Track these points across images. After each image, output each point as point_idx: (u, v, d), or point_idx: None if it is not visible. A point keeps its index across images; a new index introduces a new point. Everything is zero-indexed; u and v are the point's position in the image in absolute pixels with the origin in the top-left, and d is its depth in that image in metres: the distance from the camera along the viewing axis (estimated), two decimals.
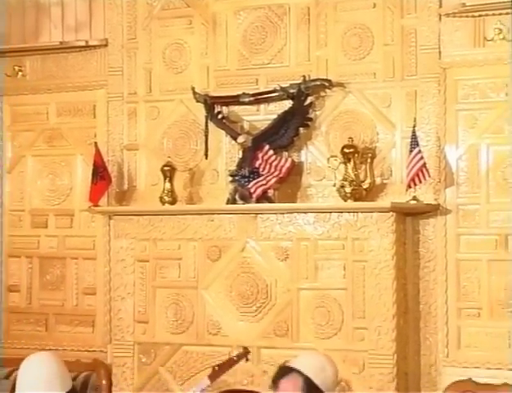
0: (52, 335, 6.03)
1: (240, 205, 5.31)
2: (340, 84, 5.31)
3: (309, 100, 5.32)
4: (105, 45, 5.88)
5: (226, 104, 5.49)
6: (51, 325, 6.06)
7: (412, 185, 4.95)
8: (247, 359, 4.56)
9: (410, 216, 5.16)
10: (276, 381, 4.21)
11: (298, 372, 4.17)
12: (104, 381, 5.37)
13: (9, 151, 6.21)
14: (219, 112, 5.47)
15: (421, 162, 4.90)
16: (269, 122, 5.39)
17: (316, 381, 4.13)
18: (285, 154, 5.32)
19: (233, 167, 5.41)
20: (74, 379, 5.35)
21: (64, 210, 6.07)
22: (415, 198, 5.01)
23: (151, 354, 5.45)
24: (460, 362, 5.07)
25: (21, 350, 5.89)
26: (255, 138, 5.34)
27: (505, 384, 4.84)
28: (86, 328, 5.95)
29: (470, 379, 4.95)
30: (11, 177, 6.21)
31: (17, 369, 5.59)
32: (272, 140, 5.33)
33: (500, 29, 5.03)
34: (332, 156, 5.26)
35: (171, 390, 5.40)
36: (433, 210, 5.13)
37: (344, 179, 5.11)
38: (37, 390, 4.51)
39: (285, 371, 4.21)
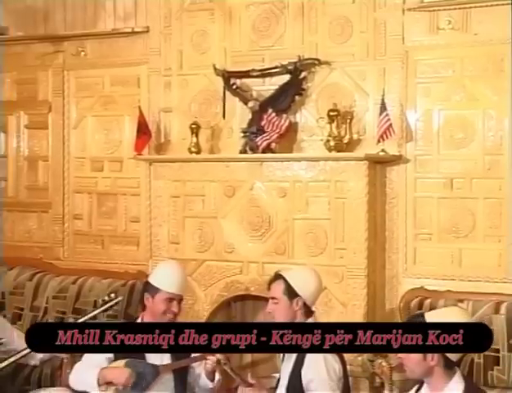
0: (107, 252, 6.07)
1: (250, 155, 5.33)
2: (327, 63, 5.30)
3: (303, 74, 5.32)
4: (147, 31, 5.85)
5: (240, 77, 5.48)
6: (106, 244, 6.10)
7: (381, 140, 4.99)
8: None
9: (379, 164, 5.17)
10: (269, 285, 4.30)
11: (283, 278, 4.25)
12: None
13: (74, 113, 6.20)
14: (234, 83, 5.46)
15: (388, 123, 4.93)
16: (272, 91, 5.38)
17: (295, 287, 4.19)
18: (284, 116, 5.29)
19: (244, 125, 5.41)
20: (123, 285, 5.48)
21: (115, 157, 6.08)
22: (383, 150, 5.05)
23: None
24: (415, 274, 5.13)
25: (84, 263, 6.04)
26: (261, 104, 5.35)
27: (448, 290, 4.92)
28: (132, 247, 5.99)
29: (422, 287, 5.02)
30: (75, 132, 6.20)
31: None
32: (275, 105, 5.32)
33: (450, 21, 5.03)
34: (320, 118, 5.29)
35: (196, 293, 5.45)
36: (396, 160, 5.16)
37: (329, 135, 5.12)
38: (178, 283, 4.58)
39: (275, 277, 4.29)
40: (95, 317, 4.93)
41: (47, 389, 4.92)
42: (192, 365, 4.59)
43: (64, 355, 4.98)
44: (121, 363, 4.48)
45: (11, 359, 4.73)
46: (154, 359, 4.55)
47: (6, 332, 4.92)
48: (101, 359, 4.52)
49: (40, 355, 4.94)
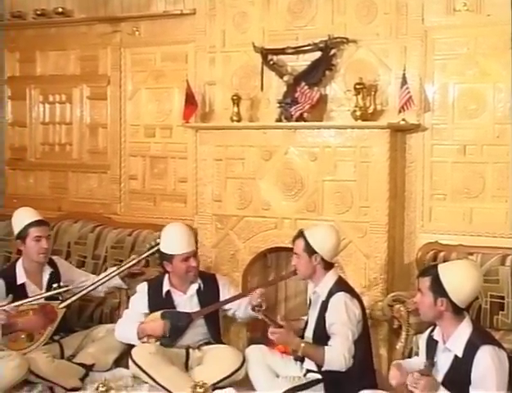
0: (158, 208, 6.12)
1: (285, 123, 5.32)
2: (354, 41, 5.26)
3: (332, 52, 5.28)
4: (194, 13, 5.83)
5: (276, 54, 5.46)
6: (158, 202, 6.15)
7: (402, 110, 4.96)
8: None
9: (400, 132, 5.15)
10: (293, 241, 4.35)
11: (304, 236, 4.29)
12: None
13: (130, 85, 6.22)
14: (271, 59, 5.45)
15: (408, 95, 4.89)
16: (305, 67, 5.36)
17: (313, 245, 4.24)
18: (316, 88, 5.27)
19: (280, 97, 5.39)
20: None
21: (166, 125, 6.10)
22: (403, 119, 5.01)
23: (224, 222, 5.52)
24: (431, 230, 5.13)
25: (138, 218, 6.13)
26: (295, 77, 5.33)
27: (460, 245, 4.93)
28: (180, 204, 6.03)
29: (437, 241, 5.04)
30: (131, 102, 6.23)
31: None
32: (307, 79, 5.30)
33: (465, 3, 4.97)
34: (348, 90, 5.26)
35: (236, 245, 5.49)
36: (415, 128, 5.13)
37: (356, 106, 5.10)
38: (186, 243, 4.68)
39: (298, 234, 4.35)
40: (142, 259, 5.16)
41: (106, 325, 5.06)
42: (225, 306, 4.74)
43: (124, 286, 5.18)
44: (157, 315, 4.60)
45: (73, 298, 4.89)
46: (184, 308, 4.67)
47: (69, 273, 5.07)
48: (138, 314, 4.67)
49: (104, 288, 5.08)
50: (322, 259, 4.25)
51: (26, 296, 4.70)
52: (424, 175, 5.16)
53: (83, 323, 5.24)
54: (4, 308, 4.46)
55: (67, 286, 4.79)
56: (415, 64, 5.11)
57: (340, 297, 4.17)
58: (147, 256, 5.14)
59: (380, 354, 4.94)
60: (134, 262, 5.10)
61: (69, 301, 4.84)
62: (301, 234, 4.33)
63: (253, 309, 4.59)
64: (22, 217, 4.92)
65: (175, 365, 4.48)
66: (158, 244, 4.93)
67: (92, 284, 5.00)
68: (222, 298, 4.75)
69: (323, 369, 4.08)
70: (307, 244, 4.26)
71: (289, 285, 5.67)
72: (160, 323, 4.57)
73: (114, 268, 5.18)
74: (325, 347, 4.07)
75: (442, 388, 3.35)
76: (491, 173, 4.97)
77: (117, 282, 5.12)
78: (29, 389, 4.48)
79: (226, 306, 4.77)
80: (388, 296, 4.83)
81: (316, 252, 4.24)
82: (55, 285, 4.75)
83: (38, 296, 4.72)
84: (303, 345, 4.11)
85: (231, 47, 5.71)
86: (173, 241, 4.70)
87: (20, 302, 4.59)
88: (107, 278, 5.04)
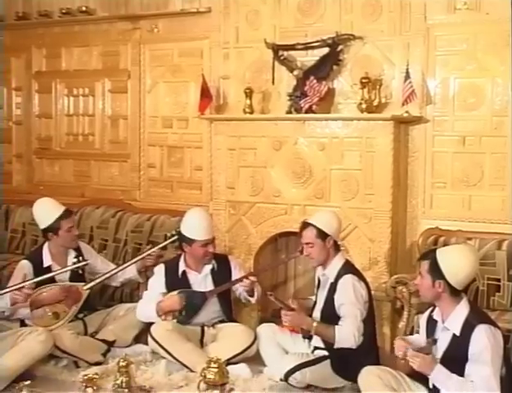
0: (175, 195, 6.16)
1: (294, 115, 5.33)
2: (360, 38, 5.26)
3: (340, 48, 5.28)
4: (209, 11, 5.84)
5: (287, 50, 5.45)
6: (175, 189, 6.17)
7: (405, 103, 4.96)
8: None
9: (403, 123, 5.16)
10: (301, 232, 4.38)
11: (313, 225, 4.33)
12: None
13: (149, 79, 6.25)
14: (282, 55, 5.45)
15: (411, 89, 4.91)
16: (314, 62, 5.36)
17: (324, 229, 4.28)
18: (324, 82, 5.26)
19: (290, 90, 5.40)
20: None
21: (182, 116, 6.12)
22: (407, 112, 5.03)
23: (237, 208, 5.55)
24: (432, 216, 5.14)
25: (156, 204, 6.16)
26: (305, 72, 5.33)
27: (459, 230, 4.96)
28: (196, 191, 6.06)
29: (437, 227, 5.06)
30: (150, 95, 6.26)
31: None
32: (316, 73, 5.30)
33: (465, 2, 4.97)
34: (354, 84, 5.27)
35: (248, 230, 5.51)
36: (418, 120, 5.14)
37: (362, 99, 5.12)
38: (208, 230, 4.71)
39: (305, 225, 4.38)
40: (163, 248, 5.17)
41: (126, 304, 5.11)
42: (234, 287, 4.79)
43: (140, 279, 5.16)
44: (174, 293, 4.66)
45: (97, 280, 4.94)
46: (199, 287, 4.72)
47: (92, 257, 5.09)
48: (157, 294, 4.72)
49: (120, 279, 5.12)
50: (334, 241, 4.31)
51: (52, 278, 4.75)
52: (426, 164, 5.17)
53: (104, 302, 5.31)
54: (24, 284, 4.47)
55: (86, 260, 4.83)
56: (417, 59, 5.11)
57: (348, 279, 4.22)
58: (163, 246, 5.19)
59: (384, 332, 4.96)
60: (150, 251, 5.12)
61: (92, 284, 4.89)
62: (309, 224, 4.36)
63: (248, 294, 4.68)
64: (49, 210, 4.87)
65: (191, 342, 4.54)
66: (173, 235, 4.99)
67: (116, 268, 5.06)
68: (233, 278, 4.80)
69: (335, 347, 4.13)
70: (319, 230, 4.30)
71: (298, 263, 5.69)
72: (176, 298, 4.63)
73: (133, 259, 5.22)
74: (336, 326, 4.11)
75: (439, 365, 3.39)
76: (489, 163, 4.98)
77: (133, 274, 5.14)
78: (56, 362, 4.59)
79: (233, 287, 4.82)
80: (391, 278, 4.86)
81: (328, 235, 4.29)
82: (74, 260, 4.79)
83: (59, 272, 4.75)
84: (315, 324, 4.17)
85: (243, 43, 5.72)
86: (196, 226, 4.72)
87: (38, 278, 4.60)
88: (128, 264, 5.08)
